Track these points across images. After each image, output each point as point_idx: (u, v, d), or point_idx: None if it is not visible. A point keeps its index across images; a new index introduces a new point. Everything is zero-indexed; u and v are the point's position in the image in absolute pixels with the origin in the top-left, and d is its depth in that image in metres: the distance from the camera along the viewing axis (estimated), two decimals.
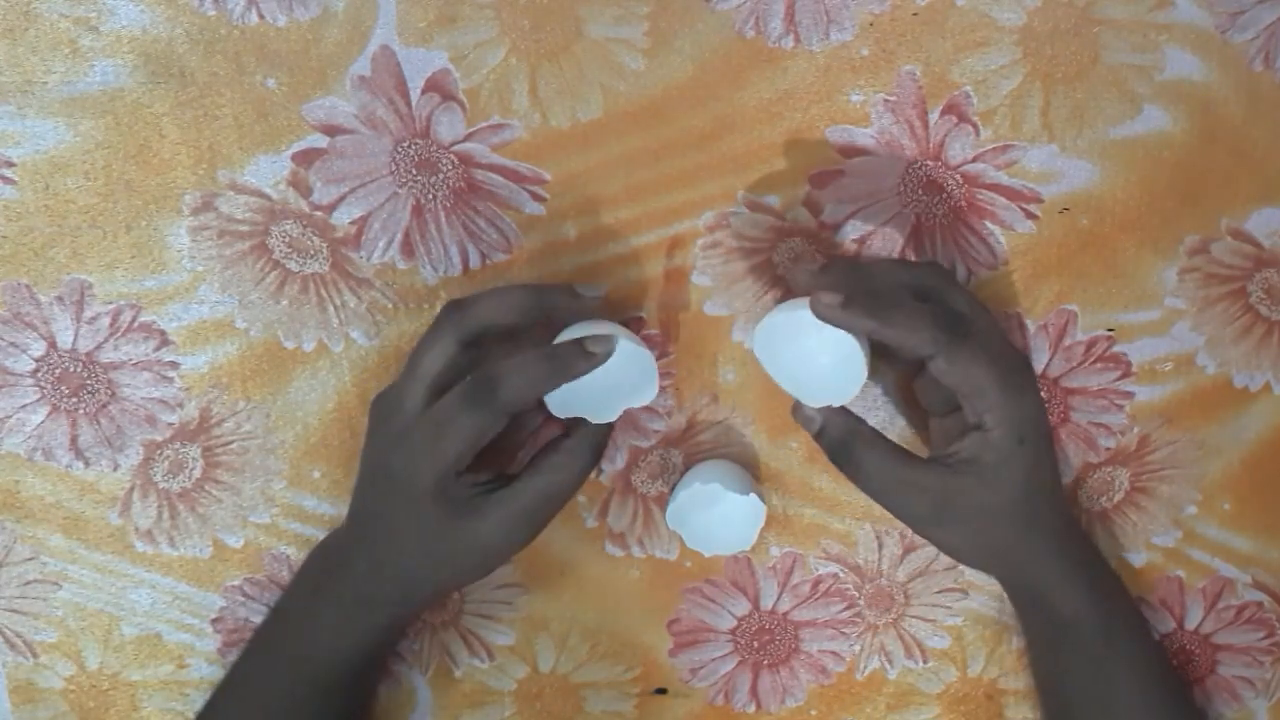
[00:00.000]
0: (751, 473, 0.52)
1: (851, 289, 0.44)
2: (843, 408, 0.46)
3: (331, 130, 0.48)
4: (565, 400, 0.46)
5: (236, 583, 0.53)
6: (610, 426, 0.47)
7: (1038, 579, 0.49)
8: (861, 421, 0.46)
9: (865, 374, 0.45)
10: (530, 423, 0.51)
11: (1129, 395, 0.52)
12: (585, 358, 0.45)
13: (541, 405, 0.47)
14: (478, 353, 0.47)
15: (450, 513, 0.45)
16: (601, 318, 0.48)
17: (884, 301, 0.44)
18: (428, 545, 0.46)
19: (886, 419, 0.52)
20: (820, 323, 0.44)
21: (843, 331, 0.44)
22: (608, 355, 0.45)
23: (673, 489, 0.51)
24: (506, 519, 0.46)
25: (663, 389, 0.52)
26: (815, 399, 0.46)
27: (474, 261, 0.50)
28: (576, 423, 0.47)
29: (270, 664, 0.50)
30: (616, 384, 0.46)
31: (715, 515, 0.50)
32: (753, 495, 0.49)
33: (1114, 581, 0.51)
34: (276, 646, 0.50)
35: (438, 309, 0.50)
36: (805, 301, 0.44)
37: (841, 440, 0.46)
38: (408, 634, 0.54)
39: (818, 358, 0.46)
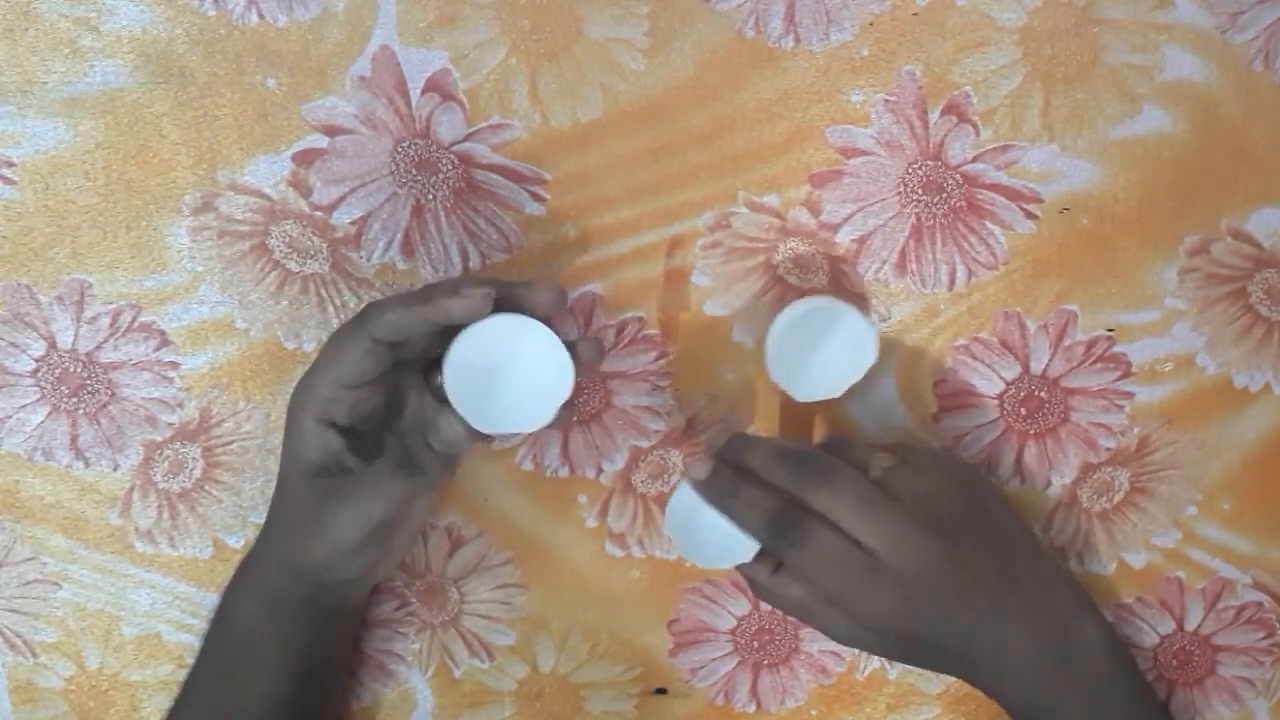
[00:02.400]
0: None
1: (734, 457, 0.47)
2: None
3: (331, 130, 0.48)
4: (477, 405, 0.43)
5: None
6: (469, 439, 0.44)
7: (988, 690, 0.50)
8: (762, 569, 0.48)
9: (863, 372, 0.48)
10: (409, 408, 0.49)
11: (1129, 395, 0.52)
12: (456, 297, 0.42)
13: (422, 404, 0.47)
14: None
15: (344, 486, 0.45)
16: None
17: (732, 487, 0.46)
18: (308, 516, 0.46)
19: (884, 410, 0.52)
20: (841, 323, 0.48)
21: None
22: (486, 299, 0.42)
23: (670, 493, 0.51)
24: (384, 477, 0.45)
25: (663, 389, 0.52)
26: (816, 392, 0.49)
27: (474, 261, 0.50)
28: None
29: (212, 678, 0.49)
30: (531, 381, 0.44)
31: (715, 521, 0.49)
32: None
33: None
34: (215, 657, 0.49)
35: None
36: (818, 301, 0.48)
37: (751, 586, 0.50)
38: (407, 634, 0.54)
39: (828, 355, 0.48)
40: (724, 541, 0.48)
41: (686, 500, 0.48)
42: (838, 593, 0.46)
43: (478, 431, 0.44)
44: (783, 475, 0.46)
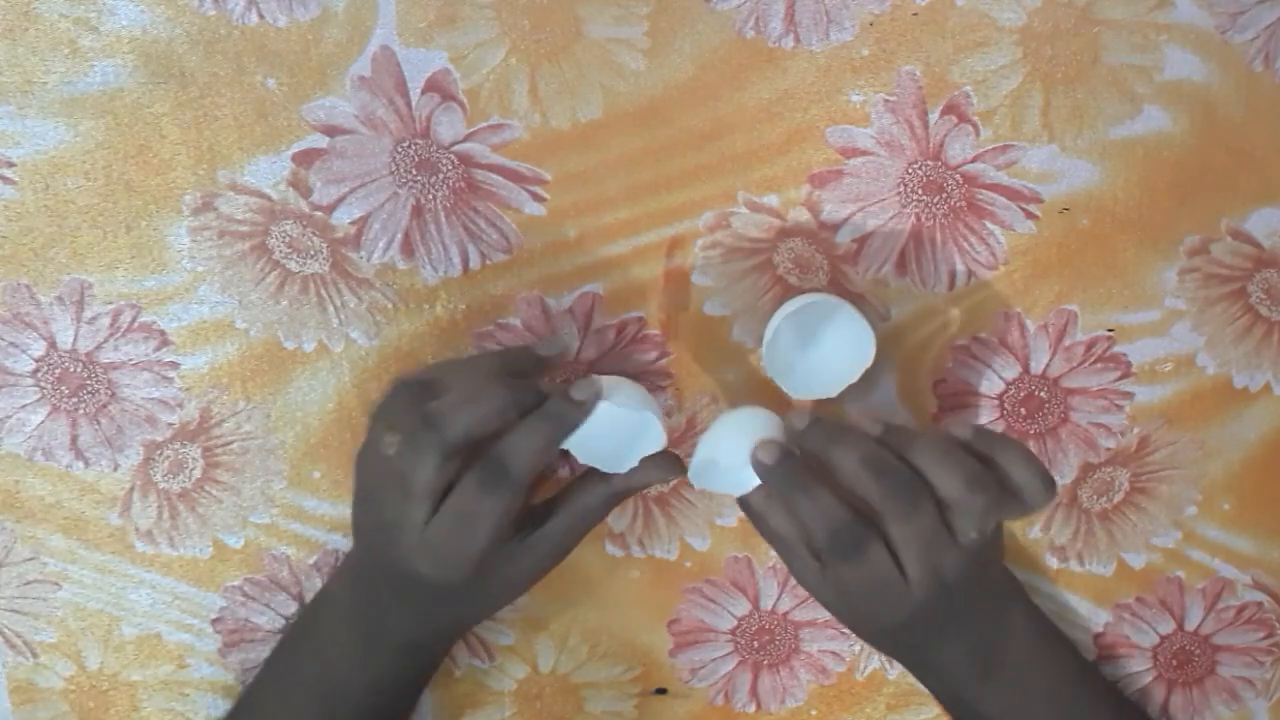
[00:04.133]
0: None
1: (811, 449, 0.45)
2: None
3: (331, 130, 0.48)
4: (582, 450, 0.46)
5: (236, 583, 0.53)
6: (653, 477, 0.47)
7: (910, 670, 0.51)
8: (757, 492, 0.47)
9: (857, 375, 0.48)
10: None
11: (1129, 395, 0.52)
12: (576, 407, 0.44)
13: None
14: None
15: (492, 568, 0.46)
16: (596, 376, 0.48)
17: (803, 483, 0.44)
18: (472, 596, 0.47)
19: (884, 410, 0.52)
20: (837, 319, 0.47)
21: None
22: (596, 395, 0.45)
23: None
24: (545, 557, 0.47)
25: (663, 389, 0.52)
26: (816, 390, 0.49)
27: (474, 261, 0.50)
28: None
29: (308, 699, 0.49)
30: (625, 437, 0.46)
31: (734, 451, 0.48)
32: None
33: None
34: (315, 682, 0.49)
35: (438, 309, 0.50)
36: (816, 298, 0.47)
37: (746, 512, 0.49)
38: None
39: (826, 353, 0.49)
40: (739, 474, 0.47)
41: (714, 435, 0.47)
42: (861, 602, 0.46)
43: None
44: (872, 491, 0.44)
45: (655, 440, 0.46)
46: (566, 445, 0.45)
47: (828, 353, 0.49)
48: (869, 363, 0.47)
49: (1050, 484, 0.45)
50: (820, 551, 0.45)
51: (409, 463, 0.43)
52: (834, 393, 0.48)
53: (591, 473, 0.47)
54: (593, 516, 0.48)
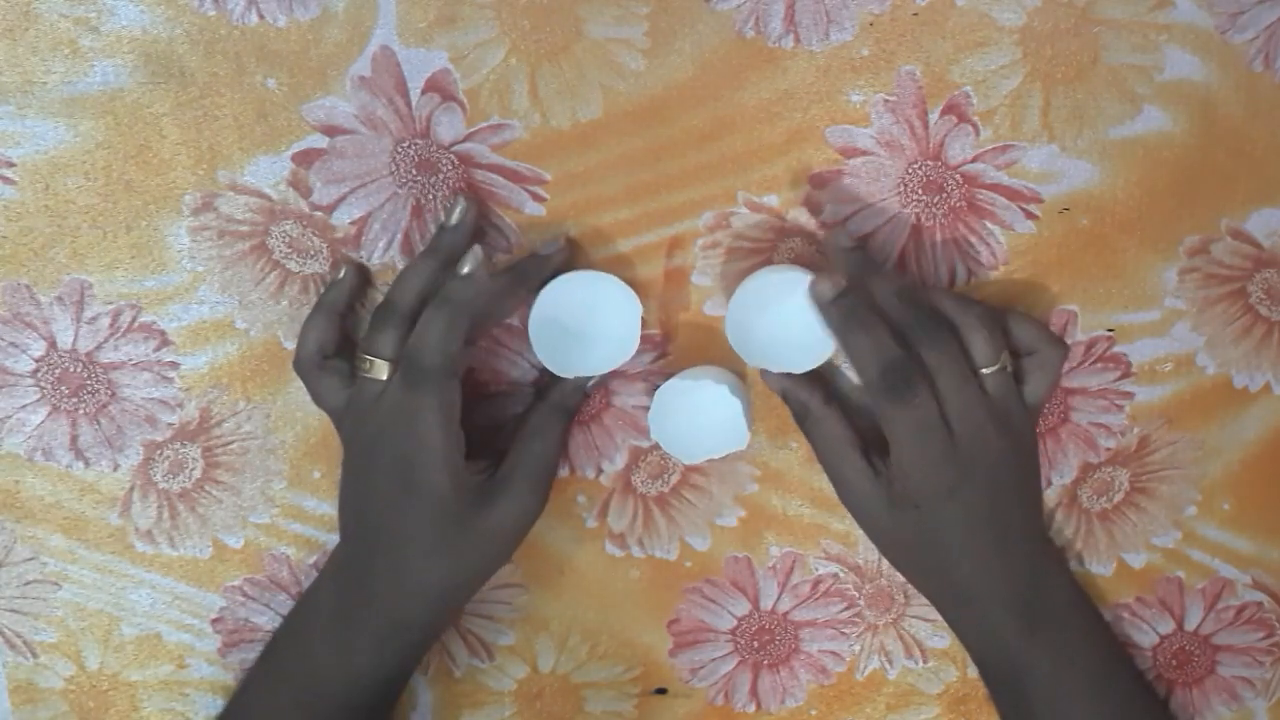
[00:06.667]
0: (751, 471, 0.52)
1: (861, 282, 0.47)
2: (803, 377, 0.49)
3: (331, 130, 0.48)
4: (558, 356, 0.48)
5: (236, 583, 0.53)
6: (580, 382, 0.50)
7: (950, 618, 0.51)
8: (815, 394, 0.49)
9: (829, 352, 0.48)
10: (511, 411, 0.51)
11: (1129, 395, 0.52)
12: (541, 261, 0.48)
13: (518, 400, 0.49)
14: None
15: (468, 505, 0.46)
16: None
17: (861, 318, 0.46)
18: (454, 547, 0.47)
19: None
20: (802, 291, 0.47)
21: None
22: (562, 255, 0.48)
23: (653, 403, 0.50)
24: (519, 491, 0.48)
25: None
26: (778, 365, 0.48)
27: None
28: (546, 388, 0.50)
29: (291, 695, 0.49)
30: (608, 331, 0.48)
31: (700, 413, 0.49)
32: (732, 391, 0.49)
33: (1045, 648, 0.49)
34: (297, 677, 0.49)
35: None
36: (786, 269, 0.48)
37: (797, 412, 0.50)
38: None
39: (790, 325, 0.48)
40: (712, 434, 0.49)
41: (675, 392, 0.49)
42: (911, 457, 0.46)
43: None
44: (909, 318, 0.46)
45: (630, 331, 0.48)
46: (541, 333, 0.48)
47: (790, 327, 0.48)
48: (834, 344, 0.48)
49: (1058, 338, 0.48)
50: (874, 389, 0.45)
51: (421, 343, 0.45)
52: (802, 367, 0.48)
53: (536, 400, 0.50)
54: (548, 430, 0.49)
